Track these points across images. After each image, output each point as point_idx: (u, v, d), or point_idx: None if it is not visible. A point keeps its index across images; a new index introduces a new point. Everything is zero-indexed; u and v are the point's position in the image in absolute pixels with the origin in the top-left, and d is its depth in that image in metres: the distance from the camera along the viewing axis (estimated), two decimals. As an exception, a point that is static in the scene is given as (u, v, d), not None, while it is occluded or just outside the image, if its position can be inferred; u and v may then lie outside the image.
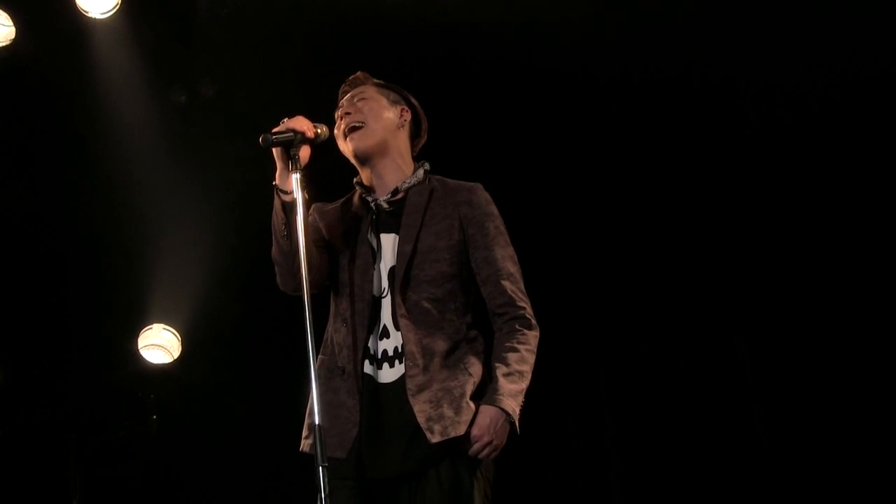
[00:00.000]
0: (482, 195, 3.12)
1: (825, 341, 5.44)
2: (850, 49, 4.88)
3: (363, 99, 3.17)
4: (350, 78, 3.27)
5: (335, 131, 3.15)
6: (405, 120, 3.20)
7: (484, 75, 5.23)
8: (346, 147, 3.16)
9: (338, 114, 3.19)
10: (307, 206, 2.86)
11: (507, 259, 3.05)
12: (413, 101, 3.26)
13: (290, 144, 2.87)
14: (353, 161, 3.19)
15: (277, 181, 2.87)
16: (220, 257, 5.76)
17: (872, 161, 5.22)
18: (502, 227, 3.10)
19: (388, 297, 2.95)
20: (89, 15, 5.21)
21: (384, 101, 3.19)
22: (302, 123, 2.91)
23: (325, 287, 3.08)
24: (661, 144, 5.42)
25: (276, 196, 2.89)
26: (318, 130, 2.94)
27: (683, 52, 5.02)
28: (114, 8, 5.20)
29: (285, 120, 2.91)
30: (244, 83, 5.43)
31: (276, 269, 3.00)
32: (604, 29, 4.99)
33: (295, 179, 2.83)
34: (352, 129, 3.12)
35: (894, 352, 5.29)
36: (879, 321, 5.35)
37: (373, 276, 2.97)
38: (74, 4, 5.17)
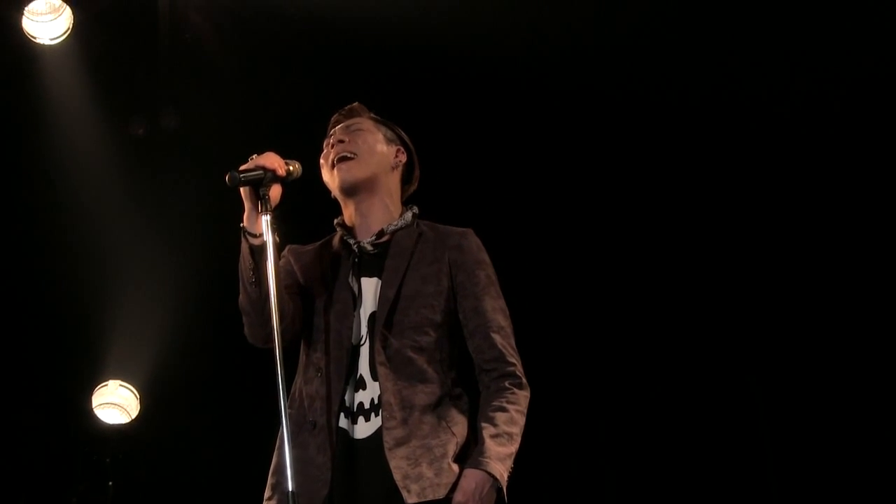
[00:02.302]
0: (473, 240, 3.05)
1: (835, 372, 5.46)
2: (850, 50, 4.88)
3: (359, 130, 3.10)
4: (345, 108, 3.20)
5: (321, 160, 3.08)
6: (400, 161, 3.13)
7: (463, 94, 5.25)
8: (331, 178, 3.06)
9: (327, 142, 3.11)
10: (278, 249, 2.76)
11: (497, 311, 2.97)
12: (409, 143, 3.19)
13: (260, 183, 2.76)
14: (336, 194, 3.09)
15: (245, 223, 2.77)
16: (182, 306, 5.70)
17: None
18: (494, 277, 3.02)
19: (367, 344, 2.87)
20: (37, 41, 5.10)
21: (380, 137, 3.12)
22: (272, 160, 2.80)
23: (298, 337, 2.99)
24: (665, 166, 5.43)
25: (243, 239, 2.78)
26: (290, 168, 2.84)
27: (678, 62, 5.04)
28: (64, 33, 5.09)
29: (254, 157, 2.80)
30: (210, 114, 5.38)
31: (244, 318, 2.89)
32: (597, 39, 5.02)
33: (265, 221, 2.72)
34: (342, 160, 3.04)
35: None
36: (884, 344, 5.35)
37: (352, 322, 2.88)
38: (21, 29, 5.06)
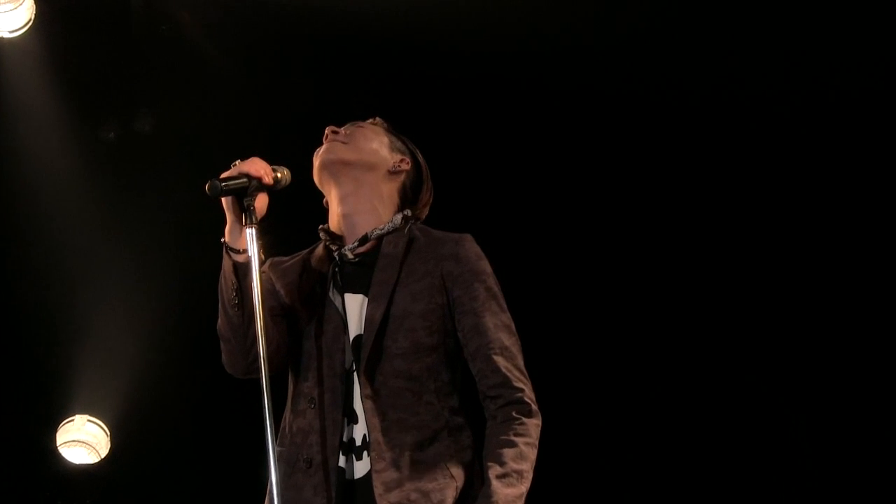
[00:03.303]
0: (471, 248, 2.91)
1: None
2: (853, 50, 4.88)
3: (361, 127, 3.05)
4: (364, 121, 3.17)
5: (314, 157, 2.99)
6: (401, 167, 3.02)
7: (461, 92, 5.20)
8: (316, 163, 2.99)
9: (325, 135, 3.05)
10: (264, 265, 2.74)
11: (500, 328, 2.85)
12: (422, 162, 3.09)
13: (244, 193, 2.69)
14: (319, 182, 3.00)
15: (227, 237, 2.71)
16: (157, 331, 5.56)
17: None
18: (496, 289, 2.89)
19: (354, 372, 2.79)
20: (-5, 33, 4.93)
21: (385, 140, 3.05)
22: (258, 167, 2.73)
23: (283, 366, 2.92)
24: (665, 165, 5.44)
25: (225, 255, 2.71)
26: (278, 175, 2.76)
27: (684, 61, 5.04)
28: (26, 25, 4.87)
29: (237, 163, 2.74)
30: (189, 116, 5.26)
31: (223, 346, 2.82)
32: (599, 39, 4.99)
33: (249, 234, 2.65)
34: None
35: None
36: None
37: (343, 345, 2.80)
38: (-26, 21, 4.85)
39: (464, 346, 2.85)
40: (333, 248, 2.91)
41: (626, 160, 5.52)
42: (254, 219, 2.67)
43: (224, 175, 2.70)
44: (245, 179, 2.69)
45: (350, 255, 2.88)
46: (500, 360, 2.80)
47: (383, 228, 2.91)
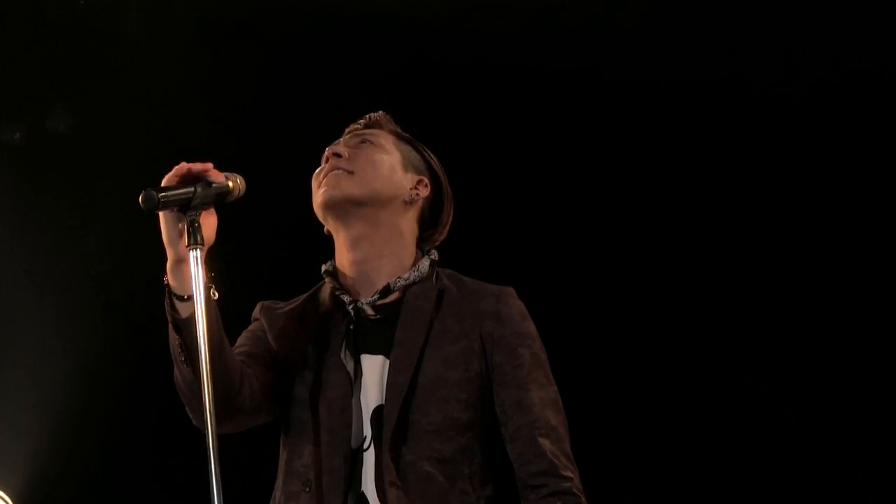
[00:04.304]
0: (515, 305, 2.77)
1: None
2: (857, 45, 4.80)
3: (368, 143, 2.81)
4: (365, 117, 2.96)
5: (313, 183, 2.79)
6: (418, 195, 2.82)
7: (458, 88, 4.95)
8: (317, 199, 2.80)
9: (324, 155, 2.83)
10: (210, 291, 2.41)
11: (547, 405, 2.70)
12: (441, 173, 2.90)
13: (188, 205, 2.40)
14: (322, 219, 2.79)
15: (169, 276, 2.43)
16: (71, 383, 5.02)
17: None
18: (543, 355, 2.75)
19: (372, 451, 2.61)
20: None
21: (397, 158, 2.82)
22: (205, 171, 2.45)
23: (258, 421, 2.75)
24: (666, 164, 5.26)
25: (167, 303, 2.45)
26: (230, 184, 2.48)
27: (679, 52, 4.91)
28: None
29: (183, 165, 2.44)
30: (116, 113, 4.77)
31: (183, 399, 2.59)
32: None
33: (194, 258, 2.38)
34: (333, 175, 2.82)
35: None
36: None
37: (351, 417, 2.61)
38: None
39: (502, 423, 2.69)
40: (346, 299, 2.71)
41: (625, 160, 5.34)
42: (199, 238, 2.39)
43: (163, 184, 2.42)
44: (190, 189, 2.40)
45: (370, 311, 2.68)
46: (545, 444, 2.67)
47: (408, 278, 2.73)
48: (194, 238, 2.40)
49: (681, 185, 5.58)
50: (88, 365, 5.01)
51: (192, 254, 2.40)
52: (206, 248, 2.42)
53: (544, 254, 5.55)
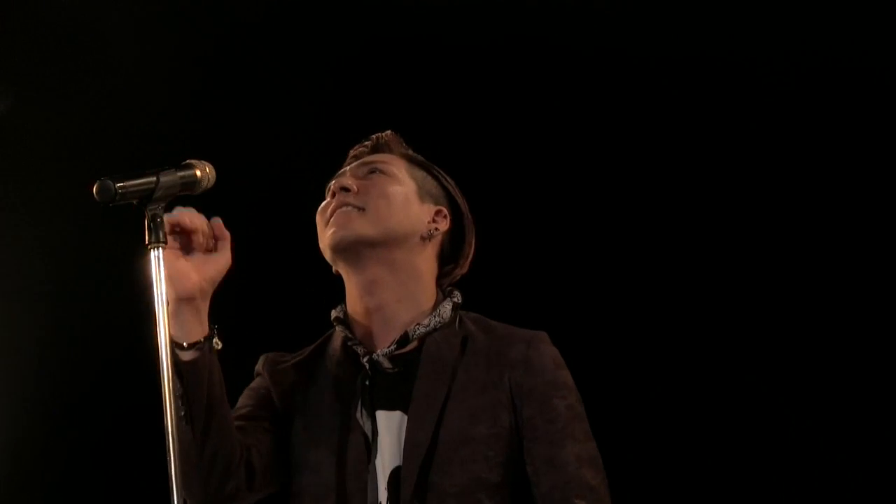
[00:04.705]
0: (547, 352, 2.59)
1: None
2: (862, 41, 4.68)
3: (380, 173, 2.61)
4: (372, 138, 2.75)
5: (318, 220, 2.59)
6: (437, 230, 2.64)
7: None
8: (325, 240, 2.60)
9: (329, 187, 2.64)
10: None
11: (584, 463, 2.53)
12: (461, 201, 2.73)
13: (149, 197, 2.21)
14: (331, 261, 2.61)
15: (170, 320, 2.21)
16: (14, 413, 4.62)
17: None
18: (580, 408, 2.58)
19: None
20: None
21: (412, 188, 2.64)
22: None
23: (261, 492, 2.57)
24: (665, 163, 5.07)
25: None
26: (197, 171, 2.28)
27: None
28: None
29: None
30: (64, 93, 4.48)
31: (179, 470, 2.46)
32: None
33: (154, 256, 2.19)
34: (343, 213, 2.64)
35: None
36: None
37: (365, 481, 2.46)
38: None
39: (534, 482, 2.54)
40: (359, 350, 2.57)
41: (627, 152, 5.09)
42: (161, 235, 2.22)
43: (120, 173, 2.25)
44: (152, 179, 2.24)
45: (387, 364, 2.53)
46: None
47: (428, 325, 2.58)
48: (156, 235, 2.24)
49: (681, 186, 5.40)
50: (40, 379, 4.64)
51: (152, 253, 2.23)
52: (164, 244, 2.25)
53: (542, 247, 5.25)
